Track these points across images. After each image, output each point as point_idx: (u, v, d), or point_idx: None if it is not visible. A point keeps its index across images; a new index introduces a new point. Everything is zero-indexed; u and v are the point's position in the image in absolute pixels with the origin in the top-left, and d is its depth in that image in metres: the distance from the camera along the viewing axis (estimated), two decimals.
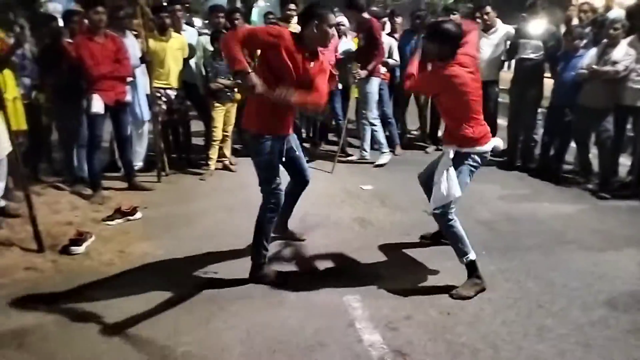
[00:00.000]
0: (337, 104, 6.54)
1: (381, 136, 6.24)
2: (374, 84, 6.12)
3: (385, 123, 6.50)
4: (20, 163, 3.75)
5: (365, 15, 5.98)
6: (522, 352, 2.66)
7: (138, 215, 4.37)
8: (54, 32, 4.83)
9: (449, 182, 3.20)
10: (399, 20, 7.29)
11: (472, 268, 3.25)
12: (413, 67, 3.52)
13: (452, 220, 3.27)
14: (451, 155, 3.29)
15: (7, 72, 4.16)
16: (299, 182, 3.62)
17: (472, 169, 3.34)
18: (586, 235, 4.20)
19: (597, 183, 5.28)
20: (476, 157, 3.33)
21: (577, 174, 5.78)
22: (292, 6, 5.98)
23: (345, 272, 3.49)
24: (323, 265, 3.58)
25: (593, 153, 5.47)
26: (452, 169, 3.24)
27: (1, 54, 4.02)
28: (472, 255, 3.24)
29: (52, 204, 4.54)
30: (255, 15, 9.55)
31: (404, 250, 3.86)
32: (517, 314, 3.01)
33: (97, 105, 4.56)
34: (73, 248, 3.67)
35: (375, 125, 6.18)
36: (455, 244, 3.28)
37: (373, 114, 6.17)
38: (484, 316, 2.98)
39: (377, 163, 6.16)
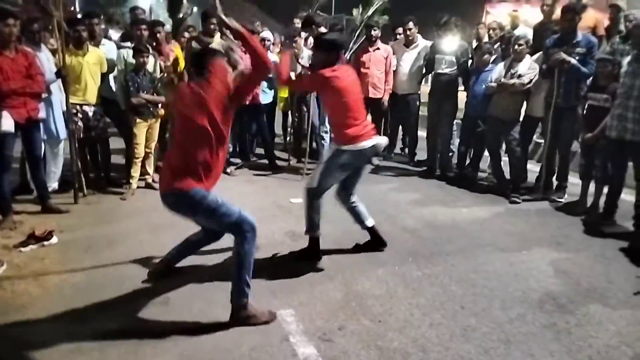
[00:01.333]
0: (263, 117, 6.59)
1: None
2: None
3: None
4: None
5: (322, 29, 6.22)
6: (450, 353, 2.79)
7: (54, 239, 4.11)
8: None
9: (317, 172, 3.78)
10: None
11: (313, 243, 3.87)
12: (286, 67, 3.82)
13: (316, 199, 3.80)
14: (331, 151, 3.79)
15: None
16: (211, 235, 3.48)
17: (346, 164, 3.74)
18: (501, 238, 4.49)
19: (509, 188, 5.65)
20: (352, 154, 3.71)
21: (491, 180, 6.16)
22: (215, 20, 5.93)
23: (278, 287, 3.48)
24: (256, 281, 3.53)
25: (504, 160, 5.86)
26: (324, 163, 3.77)
27: None
28: (318, 233, 3.85)
29: None
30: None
31: (335, 260, 3.93)
32: (444, 316, 3.16)
33: (7, 123, 4.27)
34: None
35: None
36: (310, 216, 3.81)
37: (325, 127, 6.38)
38: (413, 320, 3.10)
39: None
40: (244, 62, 6.17)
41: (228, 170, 6.33)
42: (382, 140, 3.90)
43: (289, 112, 7.52)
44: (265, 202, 5.28)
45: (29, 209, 4.82)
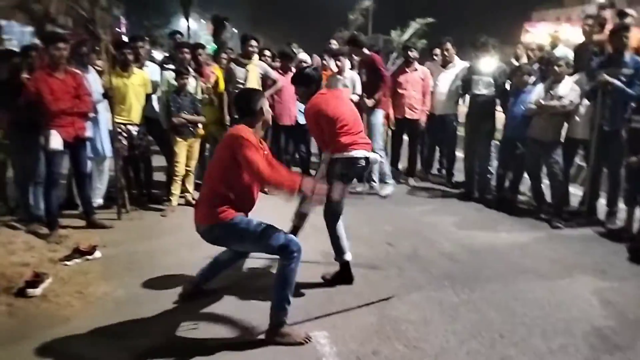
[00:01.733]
0: (299, 135, 6.67)
1: (386, 167, 6.41)
2: (379, 116, 6.36)
3: None
4: None
5: (366, 51, 6.28)
6: None
7: (97, 254, 4.25)
8: (13, 67, 4.71)
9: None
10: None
11: (343, 267, 3.85)
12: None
13: (334, 222, 3.86)
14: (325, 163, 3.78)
15: None
16: (240, 253, 3.60)
17: (342, 175, 3.69)
18: (542, 264, 4.36)
19: (551, 212, 5.50)
20: (344, 163, 3.69)
21: (531, 204, 6.02)
22: (254, 42, 6.08)
23: (312, 308, 3.47)
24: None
25: (545, 184, 5.72)
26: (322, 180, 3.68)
27: None
28: (345, 258, 3.83)
29: (6, 244, 4.34)
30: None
31: (369, 283, 3.90)
32: (481, 344, 3.08)
33: (56, 141, 4.46)
34: (29, 290, 3.52)
35: (381, 156, 6.32)
36: (334, 242, 3.88)
37: (379, 144, 6.30)
38: (449, 348, 3.04)
39: (382, 194, 6.29)
40: (281, 81, 6.34)
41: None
42: (376, 156, 3.92)
43: None
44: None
45: (75, 223, 5.00)
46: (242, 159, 3.00)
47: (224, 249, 3.51)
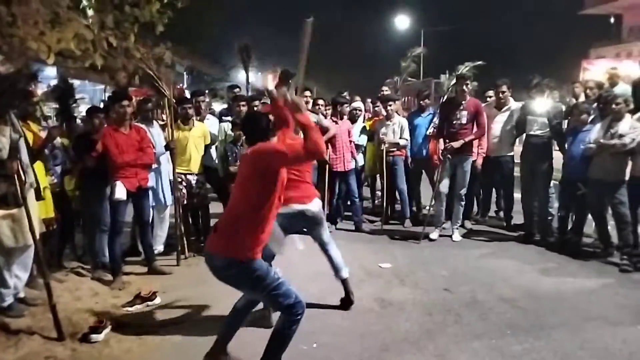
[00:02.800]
0: (352, 181, 6.71)
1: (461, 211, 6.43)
2: (469, 163, 6.29)
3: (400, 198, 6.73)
4: (42, 251, 3.85)
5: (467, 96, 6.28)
6: None
7: (157, 300, 4.38)
8: (96, 123, 5.01)
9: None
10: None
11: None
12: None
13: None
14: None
15: (39, 163, 4.37)
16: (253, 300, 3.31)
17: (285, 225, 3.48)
18: (612, 311, 4.10)
19: (619, 256, 5.19)
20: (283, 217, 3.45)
21: (597, 247, 5.72)
22: (308, 93, 6.29)
23: (367, 356, 3.40)
24: (344, 348, 3.51)
25: (611, 224, 5.44)
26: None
27: (35, 146, 4.24)
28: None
29: (73, 290, 4.57)
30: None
31: (425, 329, 3.79)
32: None
33: (120, 191, 4.73)
34: (93, 336, 3.65)
35: (463, 201, 6.38)
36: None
37: (465, 190, 6.33)
38: None
39: (454, 238, 6.29)
40: (333, 129, 6.46)
41: None
42: (313, 207, 3.90)
43: (377, 175, 7.61)
44: (352, 267, 5.22)
45: (137, 270, 5.20)
46: (279, 156, 2.86)
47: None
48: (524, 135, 6.47)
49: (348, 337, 3.65)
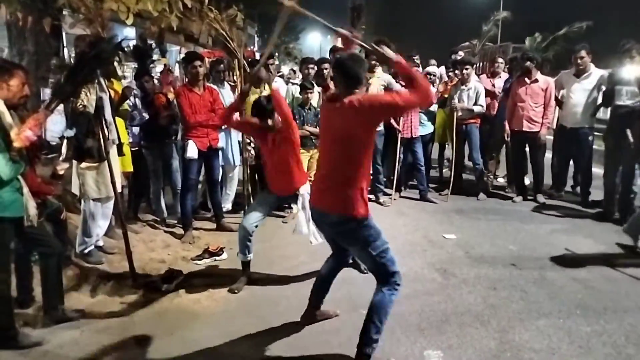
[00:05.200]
0: (418, 149, 6.57)
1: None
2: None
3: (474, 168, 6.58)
4: (122, 203, 4.08)
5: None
6: None
7: (224, 255, 4.57)
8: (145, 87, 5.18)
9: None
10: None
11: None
12: None
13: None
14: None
15: (120, 121, 4.60)
16: (341, 261, 3.35)
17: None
18: None
19: None
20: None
21: None
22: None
23: (427, 326, 3.39)
24: (403, 317, 3.50)
25: None
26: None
27: (115, 102, 4.45)
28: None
29: (147, 241, 4.86)
30: None
31: (490, 304, 3.70)
32: None
33: (192, 150, 4.89)
34: (165, 285, 3.88)
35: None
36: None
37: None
38: None
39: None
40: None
41: (381, 200, 6.41)
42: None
43: (446, 143, 7.40)
44: (415, 236, 5.20)
45: (206, 226, 5.43)
46: (392, 107, 2.65)
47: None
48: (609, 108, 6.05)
49: (408, 305, 3.64)
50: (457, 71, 6.78)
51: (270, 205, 4.15)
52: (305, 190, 3.92)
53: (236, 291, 3.89)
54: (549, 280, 4.14)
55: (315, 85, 5.83)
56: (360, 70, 2.75)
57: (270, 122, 3.86)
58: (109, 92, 4.14)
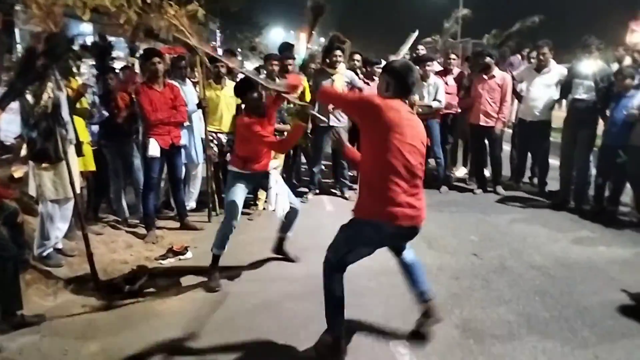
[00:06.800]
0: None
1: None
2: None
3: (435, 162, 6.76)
4: (82, 204, 3.98)
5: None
6: None
7: (189, 254, 4.52)
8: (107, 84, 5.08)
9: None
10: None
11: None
12: None
13: None
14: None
15: (79, 119, 4.47)
16: (399, 250, 3.23)
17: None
18: None
19: None
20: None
21: (634, 216, 5.56)
22: (339, 52, 6.14)
23: (393, 319, 3.43)
24: (369, 309, 3.56)
25: None
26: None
27: (72, 98, 4.32)
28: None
29: (109, 242, 4.75)
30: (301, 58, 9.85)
31: (452, 294, 3.79)
32: None
33: (154, 149, 4.81)
34: (127, 287, 3.81)
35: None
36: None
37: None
38: None
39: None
40: (366, 89, 6.37)
41: (346, 195, 6.47)
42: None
43: None
44: None
45: (169, 225, 5.35)
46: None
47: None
48: (565, 101, 6.27)
49: (373, 298, 3.70)
50: (418, 67, 6.88)
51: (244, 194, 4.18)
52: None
53: (217, 289, 3.86)
54: (509, 268, 4.27)
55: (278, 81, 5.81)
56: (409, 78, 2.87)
57: None
58: (65, 90, 4.03)
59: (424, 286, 3.11)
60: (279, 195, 4.03)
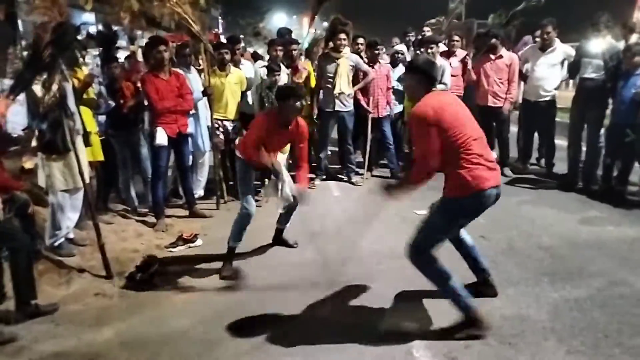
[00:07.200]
0: (386, 128, 6.62)
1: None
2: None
3: None
4: (91, 194, 4.01)
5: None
6: None
7: (199, 242, 4.56)
8: (112, 74, 5.10)
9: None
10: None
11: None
12: None
13: None
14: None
15: (86, 110, 4.49)
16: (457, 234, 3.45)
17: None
18: None
19: None
20: None
21: None
22: (343, 36, 6.10)
23: (402, 299, 3.47)
24: (379, 292, 3.59)
25: None
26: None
27: (79, 88, 4.33)
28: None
29: (119, 231, 4.80)
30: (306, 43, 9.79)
31: (462, 276, 3.78)
32: (583, 343, 2.91)
33: (161, 137, 4.82)
34: (139, 275, 3.85)
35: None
36: None
37: None
38: (548, 346, 2.90)
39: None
40: (372, 74, 6.34)
41: (353, 180, 6.47)
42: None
43: None
44: (389, 214, 5.25)
45: (178, 213, 5.39)
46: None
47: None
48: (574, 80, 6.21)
49: (384, 282, 3.73)
50: (422, 49, 6.82)
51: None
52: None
53: (230, 277, 3.89)
54: (517, 249, 4.28)
55: (282, 67, 5.80)
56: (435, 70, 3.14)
57: None
58: (71, 80, 4.03)
59: (485, 264, 3.46)
60: (284, 185, 4.00)
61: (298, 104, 3.87)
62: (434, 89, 3.10)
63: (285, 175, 4.05)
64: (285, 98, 3.86)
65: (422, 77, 3.07)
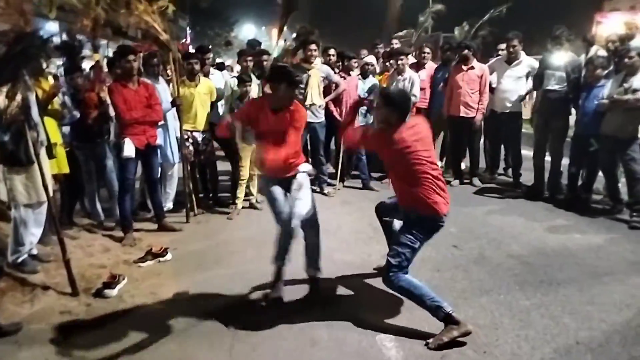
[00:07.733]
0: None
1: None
2: None
3: None
4: (55, 207, 3.86)
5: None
6: None
7: (168, 256, 4.44)
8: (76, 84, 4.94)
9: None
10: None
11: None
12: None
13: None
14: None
15: (50, 120, 4.34)
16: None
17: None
18: (620, 267, 4.13)
19: (629, 213, 5.19)
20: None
21: (606, 203, 5.70)
22: (314, 47, 6.12)
23: (378, 312, 3.45)
24: (355, 304, 3.57)
25: (622, 182, 5.41)
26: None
27: (43, 99, 4.19)
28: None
29: (85, 246, 4.63)
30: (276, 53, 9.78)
31: (435, 287, 3.80)
32: (555, 350, 2.96)
33: (129, 149, 4.70)
34: (106, 291, 3.72)
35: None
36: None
37: None
38: (522, 354, 2.93)
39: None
40: (343, 85, 6.37)
41: (325, 191, 6.45)
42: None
43: None
44: (361, 224, 5.28)
45: (147, 227, 5.25)
46: None
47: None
48: (536, 92, 6.38)
49: (357, 293, 3.71)
50: (392, 61, 6.91)
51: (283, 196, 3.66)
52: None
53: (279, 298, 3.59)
54: (488, 258, 4.34)
55: (253, 77, 5.77)
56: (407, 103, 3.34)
57: None
58: (35, 91, 3.90)
59: None
60: (300, 202, 3.53)
61: (291, 90, 3.38)
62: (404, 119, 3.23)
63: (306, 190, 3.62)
64: (277, 81, 3.36)
65: (395, 109, 3.19)
